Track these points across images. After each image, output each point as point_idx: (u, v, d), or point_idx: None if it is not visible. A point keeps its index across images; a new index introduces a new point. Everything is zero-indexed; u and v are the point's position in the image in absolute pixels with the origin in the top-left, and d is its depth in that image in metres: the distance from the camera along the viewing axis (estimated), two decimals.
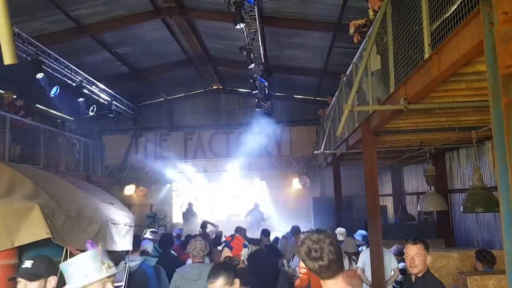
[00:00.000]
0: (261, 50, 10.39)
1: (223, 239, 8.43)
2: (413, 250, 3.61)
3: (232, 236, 4.82)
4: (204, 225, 12.18)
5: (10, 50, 1.92)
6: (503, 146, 2.49)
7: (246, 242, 4.97)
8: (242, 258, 4.58)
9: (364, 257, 6.94)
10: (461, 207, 6.09)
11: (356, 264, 7.08)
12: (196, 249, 4.74)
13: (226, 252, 4.62)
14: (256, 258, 6.74)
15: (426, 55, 3.74)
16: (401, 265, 7.29)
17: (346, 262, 7.13)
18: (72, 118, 15.56)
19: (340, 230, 8.69)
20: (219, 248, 6.84)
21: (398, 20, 4.55)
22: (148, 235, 8.82)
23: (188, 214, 15.46)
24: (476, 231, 9.01)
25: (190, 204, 15.67)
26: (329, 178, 12.82)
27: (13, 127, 10.57)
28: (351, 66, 7.44)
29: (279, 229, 12.73)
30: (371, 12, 6.33)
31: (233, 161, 15.95)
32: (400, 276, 7.13)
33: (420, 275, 3.59)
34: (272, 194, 16.09)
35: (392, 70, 4.77)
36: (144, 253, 5.77)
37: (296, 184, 15.63)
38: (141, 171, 16.22)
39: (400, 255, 7.26)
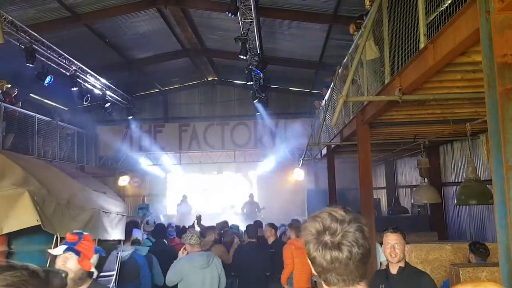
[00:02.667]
0: (257, 41, 10.32)
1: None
2: (393, 239, 3.53)
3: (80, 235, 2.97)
4: (199, 218, 12.19)
5: None
6: (498, 136, 2.47)
7: (98, 246, 3.23)
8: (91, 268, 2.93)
9: None
10: (455, 200, 6.11)
11: None
12: (194, 238, 4.76)
13: (71, 259, 2.84)
14: (248, 250, 6.77)
15: (422, 45, 3.71)
16: None
17: None
18: (66, 108, 15.46)
19: None
20: None
21: (394, 10, 4.52)
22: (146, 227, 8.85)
23: (183, 206, 15.42)
24: (469, 223, 9.04)
25: (184, 197, 15.63)
26: (324, 170, 12.81)
27: (7, 116, 10.49)
28: (346, 57, 7.40)
29: (274, 221, 12.69)
30: (367, 2, 6.30)
31: (228, 153, 15.91)
32: None
33: (402, 265, 3.51)
34: (267, 186, 16.07)
35: (387, 61, 4.75)
36: (135, 242, 5.75)
37: (291, 176, 15.62)
38: (135, 162, 16.14)
39: None
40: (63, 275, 1.36)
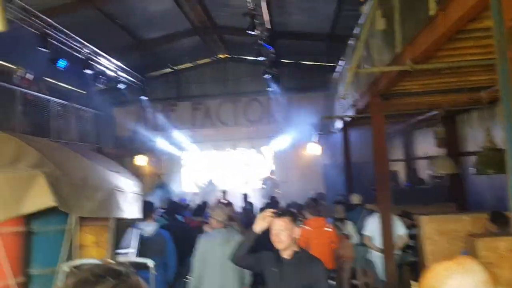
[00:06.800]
0: (266, 15, 10.17)
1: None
2: (278, 225, 3.23)
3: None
4: (225, 192, 12.45)
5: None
6: (509, 103, 2.42)
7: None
8: None
9: (371, 225, 6.94)
10: (473, 169, 6.03)
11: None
12: (220, 215, 4.68)
13: None
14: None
15: (432, 12, 3.62)
16: (412, 230, 7.32)
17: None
18: (83, 92, 15.61)
19: (355, 195, 8.81)
20: None
21: None
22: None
23: (209, 188, 15.60)
24: (488, 193, 8.94)
25: (210, 181, 15.89)
26: (339, 145, 12.76)
27: (24, 100, 10.68)
28: (358, 28, 7.27)
29: (291, 197, 12.76)
30: None
31: (242, 129, 15.92)
32: (411, 241, 7.16)
33: (296, 249, 3.28)
34: (283, 161, 16.09)
35: (398, 30, 4.65)
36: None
37: (306, 151, 15.57)
38: (150, 142, 16.32)
39: (409, 219, 7.29)
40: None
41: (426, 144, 12.54)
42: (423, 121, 9.50)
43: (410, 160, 13.97)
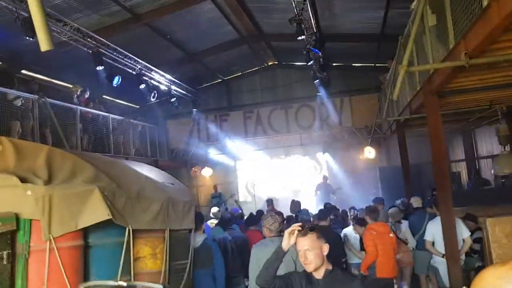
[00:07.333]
0: (312, 20, 10.09)
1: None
2: (303, 244, 2.87)
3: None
4: (270, 201, 12.30)
5: (46, 37, 1.96)
6: None
7: None
8: None
9: (433, 228, 6.62)
10: None
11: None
12: (274, 223, 4.63)
13: None
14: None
15: (485, 3, 3.42)
16: (477, 233, 6.94)
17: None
18: (137, 106, 16.20)
19: (415, 199, 8.51)
20: None
21: None
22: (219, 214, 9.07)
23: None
24: None
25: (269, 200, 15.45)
26: (395, 146, 12.38)
27: (83, 118, 11.22)
28: (407, 26, 7.03)
29: (349, 203, 12.48)
30: None
31: (294, 136, 15.83)
32: (477, 245, 6.80)
33: (329, 267, 2.92)
34: (337, 167, 15.83)
35: (450, 24, 4.44)
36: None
37: (360, 155, 15.24)
38: (204, 152, 16.61)
39: (473, 222, 6.92)
40: None
41: (489, 143, 11.92)
42: (484, 119, 9.02)
43: (471, 160, 13.29)
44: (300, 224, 2.98)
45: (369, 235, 6.18)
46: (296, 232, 2.90)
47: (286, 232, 2.94)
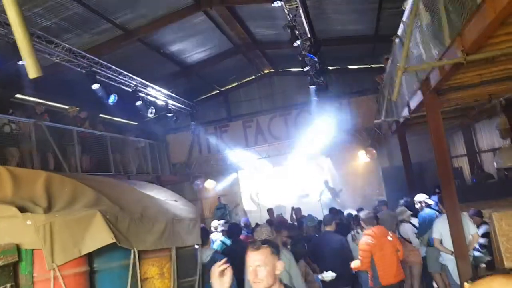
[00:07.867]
0: (306, 25, 10.08)
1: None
2: (254, 259, 2.52)
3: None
4: (269, 210, 12.24)
5: (33, 63, 1.92)
6: None
7: None
8: None
9: (440, 226, 6.53)
10: None
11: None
12: (262, 235, 4.69)
13: None
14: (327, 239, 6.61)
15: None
16: (484, 228, 6.88)
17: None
18: (135, 123, 16.14)
19: (420, 196, 8.31)
20: None
21: None
22: (219, 227, 8.99)
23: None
24: None
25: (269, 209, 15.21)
26: (396, 146, 12.31)
27: (81, 139, 11.11)
28: (401, 25, 7.00)
29: (351, 206, 12.41)
30: None
31: (295, 142, 15.77)
32: (484, 239, 6.73)
33: None
34: (339, 170, 15.75)
35: (444, 22, 4.40)
36: None
37: (362, 157, 15.17)
38: (206, 164, 16.53)
39: (478, 217, 6.87)
40: None
41: (489, 136, 11.85)
42: (484, 113, 8.97)
43: (473, 154, 13.21)
44: (223, 261, 2.51)
45: (365, 244, 5.96)
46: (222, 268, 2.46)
47: (213, 269, 2.49)
